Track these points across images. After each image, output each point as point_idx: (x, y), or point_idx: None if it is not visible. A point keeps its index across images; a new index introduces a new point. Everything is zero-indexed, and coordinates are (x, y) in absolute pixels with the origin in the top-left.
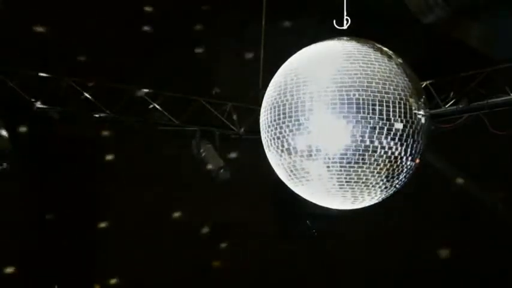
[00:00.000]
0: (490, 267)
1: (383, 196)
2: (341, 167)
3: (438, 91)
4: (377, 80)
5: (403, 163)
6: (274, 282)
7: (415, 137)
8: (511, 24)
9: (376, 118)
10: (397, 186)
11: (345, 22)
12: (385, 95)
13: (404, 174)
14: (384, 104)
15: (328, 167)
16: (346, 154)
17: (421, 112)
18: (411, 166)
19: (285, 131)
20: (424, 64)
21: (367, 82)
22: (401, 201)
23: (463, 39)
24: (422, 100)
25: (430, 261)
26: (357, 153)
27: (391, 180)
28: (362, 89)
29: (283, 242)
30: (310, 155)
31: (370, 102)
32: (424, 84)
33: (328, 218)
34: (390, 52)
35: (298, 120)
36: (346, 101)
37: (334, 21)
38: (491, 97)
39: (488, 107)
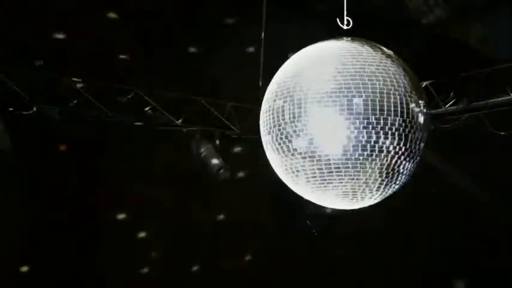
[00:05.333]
0: (490, 267)
1: (383, 196)
2: (341, 167)
3: (438, 91)
4: (376, 80)
5: (403, 163)
6: (274, 282)
7: (415, 137)
8: (511, 24)
9: (376, 118)
10: (397, 186)
11: (345, 23)
12: (385, 95)
13: (404, 174)
14: (384, 104)
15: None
16: (346, 154)
17: (421, 112)
18: (411, 166)
19: (285, 132)
20: (424, 64)
21: (367, 82)
22: (401, 201)
23: (463, 39)
24: (422, 100)
25: (430, 261)
26: (357, 153)
27: (391, 180)
28: (362, 90)
29: (283, 242)
30: (310, 156)
31: (370, 102)
32: (424, 84)
33: (328, 218)
34: (390, 52)
35: (298, 121)
36: (346, 102)
37: (338, 19)
38: (491, 97)
39: (488, 107)
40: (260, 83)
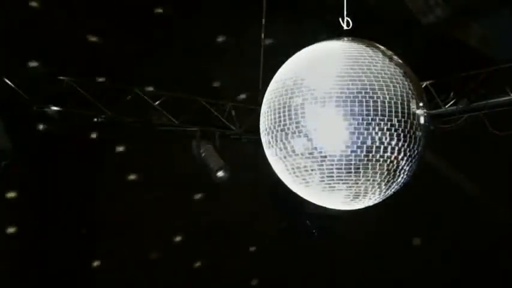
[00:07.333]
0: (490, 267)
1: (383, 196)
2: (341, 167)
3: (438, 91)
4: (376, 81)
5: (403, 163)
6: (275, 282)
7: (415, 137)
8: (511, 24)
9: (376, 118)
10: (397, 186)
11: (345, 22)
12: (386, 96)
13: (404, 174)
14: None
15: (328, 167)
16: (346, 155)
17: (421, 112)
18: (411, 167)
19: (285, 133)
20: (424, 64)
21: (367, 83)
22: (401, 201)
23: (463, 39)
24: (422, 100)
25: (430, 261)
26: (357, 153)
27: (391, 180)
28: (362, 90)
29: (283, 242)
30: (311, 156)
31: (371, 102)
32: (424, 84)
33: (329, 218)
34: (390, 52)
35: (298, 121)
36: (348, 102)
37: (340, 19)
38: (491, 97)
39: (488, 107)
40: (260, 85)
